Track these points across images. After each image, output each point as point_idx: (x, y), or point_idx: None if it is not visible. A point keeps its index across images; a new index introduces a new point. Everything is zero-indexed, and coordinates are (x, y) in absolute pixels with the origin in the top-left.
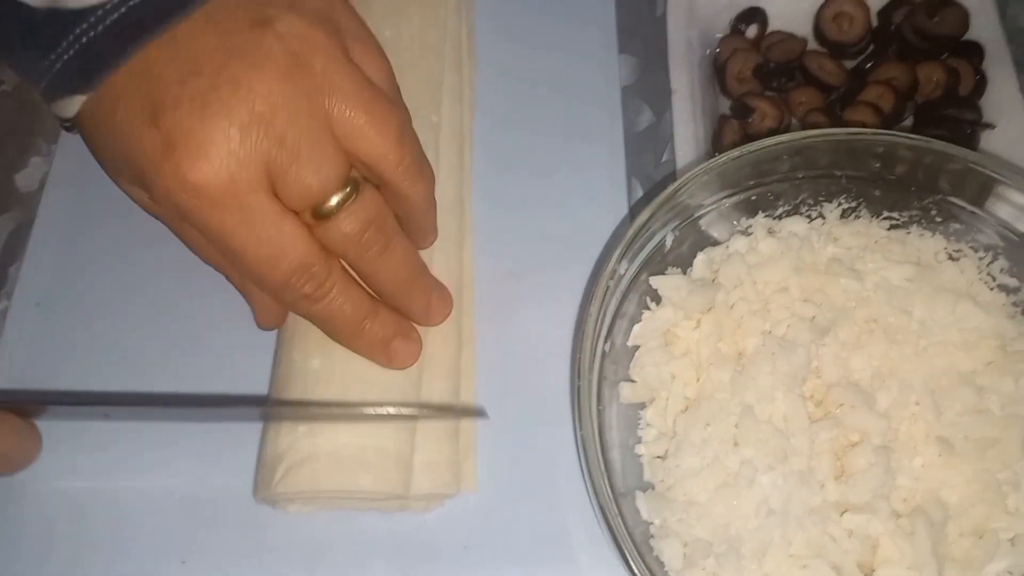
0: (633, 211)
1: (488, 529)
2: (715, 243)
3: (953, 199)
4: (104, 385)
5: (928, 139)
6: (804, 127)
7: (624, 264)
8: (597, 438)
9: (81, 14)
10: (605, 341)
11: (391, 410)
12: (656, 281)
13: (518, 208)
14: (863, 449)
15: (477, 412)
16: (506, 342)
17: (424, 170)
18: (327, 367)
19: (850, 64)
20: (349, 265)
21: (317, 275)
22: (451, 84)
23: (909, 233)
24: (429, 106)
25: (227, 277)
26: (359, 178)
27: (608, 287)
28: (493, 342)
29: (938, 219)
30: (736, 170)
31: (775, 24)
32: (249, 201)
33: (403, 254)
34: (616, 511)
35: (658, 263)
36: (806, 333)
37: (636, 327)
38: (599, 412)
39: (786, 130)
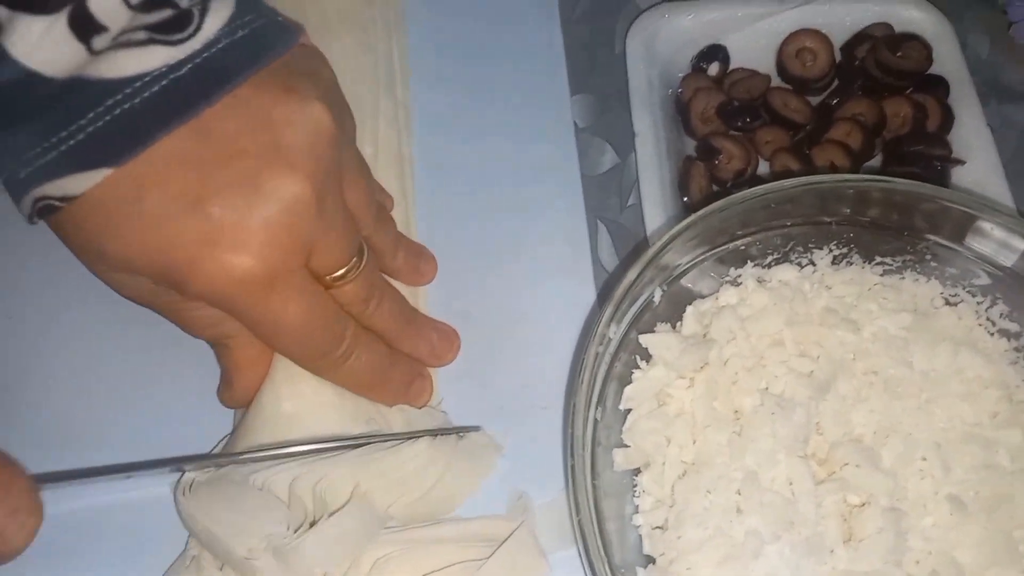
0: (599, 256)
1: None
2: (703, 297)
3: (945, 242)
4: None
5: (918, 183)
6: (772, 167)
7: (613, 327)
8: (594, 517)
9: (116, 84)
10: (597, 407)
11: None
12: (646, 340)
13: (469, 246)
14: (872, 512)
15: (471, 428)
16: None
17: (385, 217)
18: (301, 408)
19: (815, 100)
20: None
21: (347, 335)
22: (386, 109)
23: (903, 279)
24: (364, 136)
25: (221, 354)
26: (363, 244)
27: (598, 353)
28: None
29: (932, 263)
30: (722, 222)
31: (737, 61)
32: (296, 280)
33: (397, 305)
34: None
35: (647, 320)
36: (805, 390)
37: (627, 389)
38: (594, 486)
39: (754, 171)
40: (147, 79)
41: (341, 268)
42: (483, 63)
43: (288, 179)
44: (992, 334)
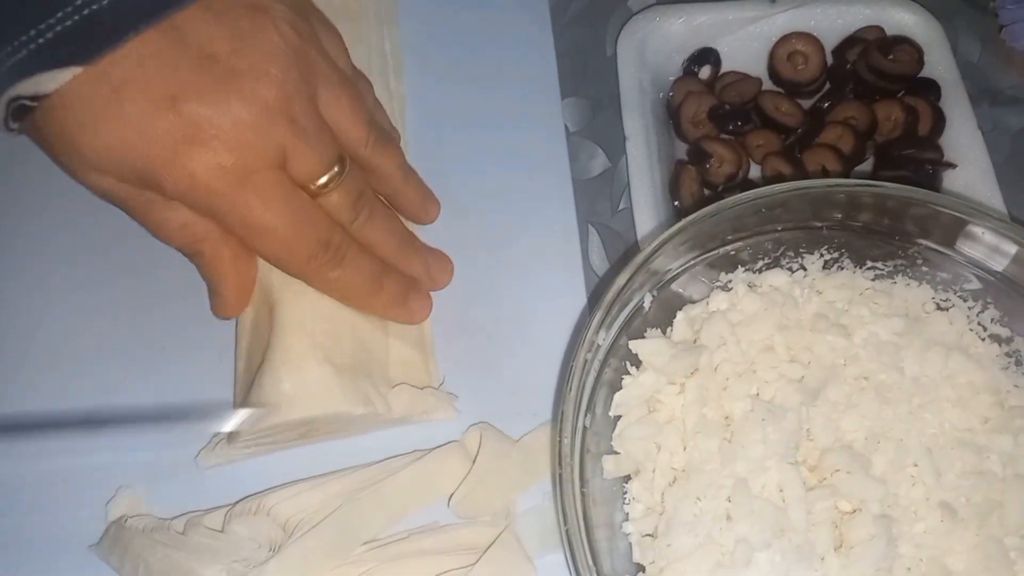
0: (590, 261)
1: None
2: (693, 303)
3: (936, 246)
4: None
5: (909, 187)
6: (763, 171)
7: (602, 334)
8: (582, 527)
9: None
10: (586, 415)
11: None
12: (636, 346)
13: (458, 249)
14: (863, 519)
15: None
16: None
17: (388, 144)
18: (299, 388)
19: (806, 104)
20: None
21: (334, 241)
22: (380, 99)
23: (895, 283)
24: None
25: (198, 263)
26: (344, 154)
27: (587, 360)
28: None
29: (924, 268)
30: (713, 227)
31: (728, 64)
32: (272, 180)
33: (388, 221)
34: None
35: (637, 326)
36: (795, 395)
37: (617, 395)
38: (582, 495)
39: (745, 175)
40: None
41: (320, 176)
42: (474, 67)
43: (259, 84)
44: (983, 339)
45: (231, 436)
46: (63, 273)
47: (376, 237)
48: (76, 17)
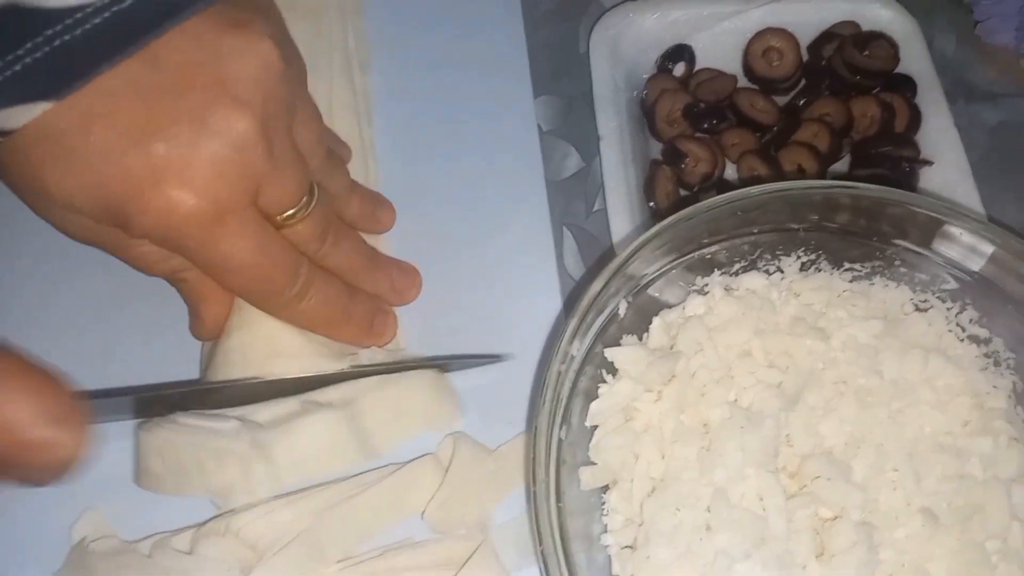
0: (564, 264)
1: None
2: (670, 307)
3: (914, 247)
4: None
5: (885, 188)
6: (739, 170)
7: (576, 344)
8: (559, 545)
9: (56, 15)
10: (561, 427)
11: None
12: (612, 354)
13: (429, 253)
14: (843, 526)
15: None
16: None
17: (336, 162)
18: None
19: (782, 100)
20: None
21: (301, 273)
22: (342, 96)
23: (872, 284)
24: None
25: (181, 288)
26: (313, 183)
27: (560, 372)
28: None
29: (902, 269)
30: (688, 231)
31: (703, 61)
32: (245, 217)
33: (352, 242)
34: None
35: (612, 332)
36: (774, 401)
37: (593, 405)
38: (558, 509)
39: (720, 174)
40: (88, 10)
41: (291, 207)
42: (444, 64)
43: (235, 114)
44: (962, 340)
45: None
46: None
47: (341, 261)
48: (47, 48)
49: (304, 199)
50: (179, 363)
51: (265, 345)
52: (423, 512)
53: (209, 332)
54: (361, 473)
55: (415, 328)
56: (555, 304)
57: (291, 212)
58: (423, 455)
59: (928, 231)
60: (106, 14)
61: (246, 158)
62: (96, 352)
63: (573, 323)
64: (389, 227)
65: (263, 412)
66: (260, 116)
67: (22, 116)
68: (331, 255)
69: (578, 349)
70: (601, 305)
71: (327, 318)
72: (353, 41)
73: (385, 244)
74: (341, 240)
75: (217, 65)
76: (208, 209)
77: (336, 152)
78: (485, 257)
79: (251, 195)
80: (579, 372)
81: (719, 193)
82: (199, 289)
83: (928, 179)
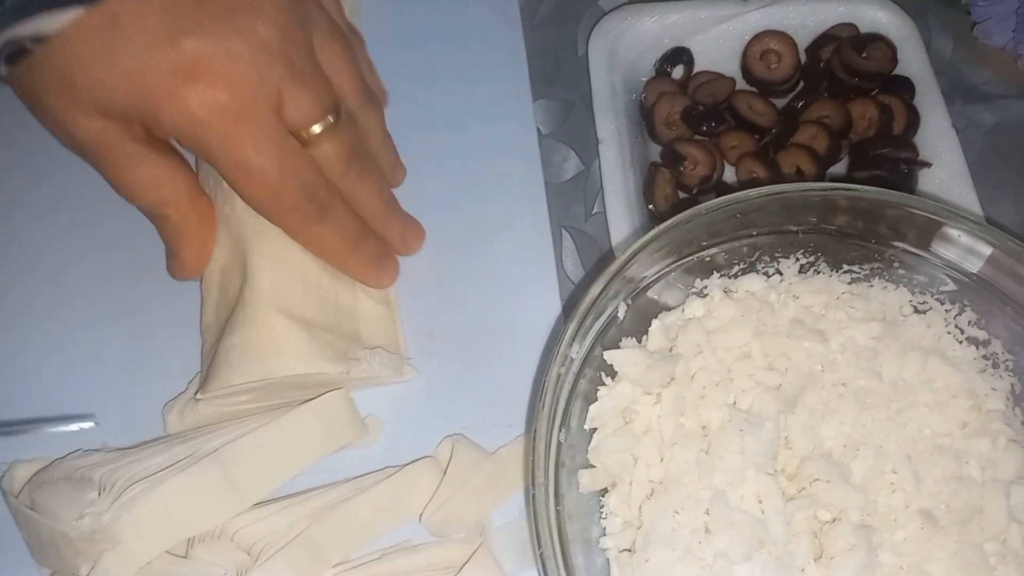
0: (564, 267)
1: None
2: (669, 309)
3: (912, 248)
4: None
5: (883, 190)
6: (738, 172)
7: (576, 346)
8: (557, 549)
9: None
10: (560, 430)
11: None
12: (611, 356)
13: (431, 257)
14: (842, 528)
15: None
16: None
17: (374, 98)
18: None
19: (780, 103)
20: None
21: (321, 194)
22: None
23: (871, 286)
24: None
25: (160, 225)
26: (340, 104)
27: (560, 375)
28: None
29: (900, 271)
30: (687, 234)
31: (701, 64)
32: (266, 121)
33: (378, 181)
34: None
35: (612, 335)
36: (773, 403)
37: (593, 407)
38: (557, 512)
39: (719, 177)
40: None
41: (315, 122)
42: (443, 68)
43: (256, 21)
44: (961, 342)
45: (198, 396)
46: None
47: (365, 195)
48: None
49: (329, 118)
50: (179, 357)
51: (268, 343)
52: (421, 515)
53: (187, 272)
54: (359, 476)
55: (416, 331)
56: (555, 306)
57: (317, 130)
58: (422, 457)
59: (926, 233)
60: None
61: (266, 62)
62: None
63: (572, 326)
64: (398, 185)
65: (150, 461)
66: (277, 27)
67: (57, 21)
68: (354, 186)
69: (577, 352)
70: (600, 308)
71: (339, 246)
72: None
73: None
74: (367, 173)
75: None
76: (232, 105)
77: (375, 93)
78: (485, 260)
79: (273, 101)
80: (578, 375)
81: (718, 195)
82: (180, 228)
83: (926, 180)
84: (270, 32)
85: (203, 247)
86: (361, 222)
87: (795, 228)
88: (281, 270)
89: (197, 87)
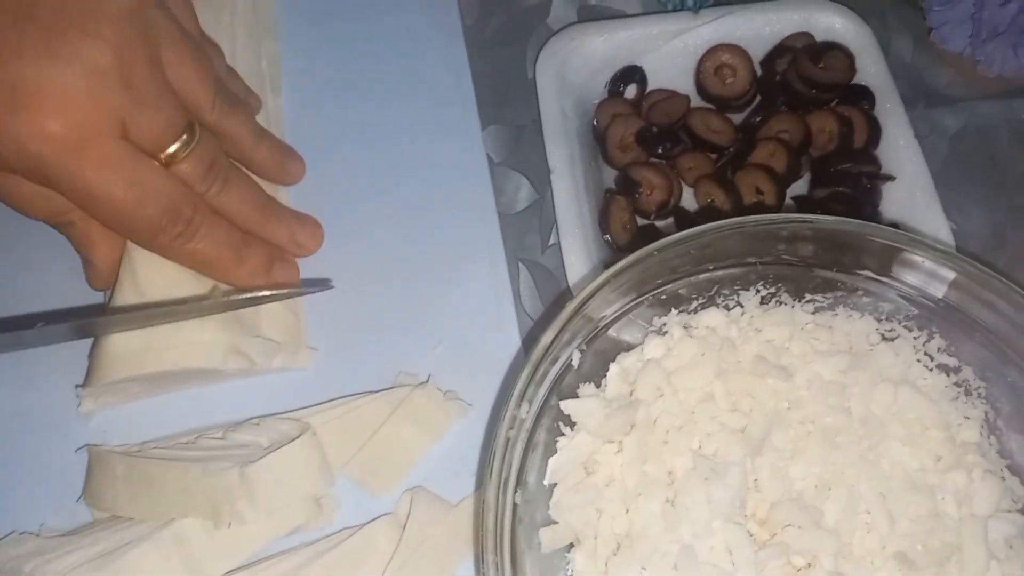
0: (522, 302)
1: None
2: (629, 346)
3: (875, 275)
4: None
5: (840, 219)
6: (696, 195)
7: (525, 406)
8: None
9: None
10: (515, 491)
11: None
12: (568, 407)
13: (379, 296)
14: (816, 575)
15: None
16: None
17: (236, 107)
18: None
19: (737, 118)
20: None
21: (186, 213)
22: (260, 119)
23: (836, 315)
24: None
25: (68, 233)
26: (194, 121)
27: (509, 438)
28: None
29: (864, 298)
30: (642, 273)
31: (655, 82)
32: (110, 147)
33: (246, 189)
34: None
35: (568, 382)
36: (738, 447)
37: (552, 460)
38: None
39: (677, 201)
40: None
41: (168, 144)
42: (384, 95)
43: (85, 44)
44: (931, 370)
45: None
46: None
47: (233, 207)
48: None
49: (183, 137)
50: None
51: (140, 338)
52: None
53: (103, 279)
54: (318, 540)
55: (371, 366)
56: (514, 343)
57: (172, 150)
58: (380, 516)
59: (887, 259)
60: None
61: (100, 88)
62: None
63: (521, 383)
64: (299, 179)
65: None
66: (113, 48)
67: None
68: (220, 199)
69: (527, 411)
70: (555, 355)
71: (219, 261)
72: (266, 63)
73: (337, 271)
74: (230, 185)
75: None
76: (65, 135)
77: (239, 98)
78: (436, 298)
79: (113, 126)
80: (533, 429)
81: (676, 221)
82: (87, 233)
83: (890, 193)
84: (104, 54)
85: (114, 252)
86: (240, 232)
87: (754, 260)
88: (169, 265)
89: (23, 118)
